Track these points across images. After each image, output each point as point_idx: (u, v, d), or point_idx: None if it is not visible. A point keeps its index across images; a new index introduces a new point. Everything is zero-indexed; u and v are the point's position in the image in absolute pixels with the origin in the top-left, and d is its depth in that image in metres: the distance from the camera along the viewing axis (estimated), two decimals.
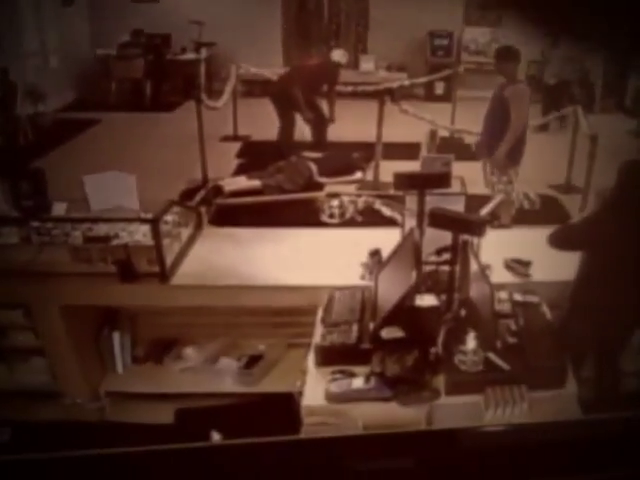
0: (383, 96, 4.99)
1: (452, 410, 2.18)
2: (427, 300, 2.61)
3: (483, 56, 7.90)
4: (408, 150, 5.20)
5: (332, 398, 2.22)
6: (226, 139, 6.15)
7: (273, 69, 6.89)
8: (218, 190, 4.47)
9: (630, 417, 1.28)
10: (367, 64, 8.55)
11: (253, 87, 7.87)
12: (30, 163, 5.18)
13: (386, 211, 4.03)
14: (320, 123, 5.77)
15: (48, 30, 7.82)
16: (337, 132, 5.98)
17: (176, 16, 8.23)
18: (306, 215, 4.06)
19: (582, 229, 2.57)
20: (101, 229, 3.07)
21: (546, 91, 6.84)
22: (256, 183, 4.63)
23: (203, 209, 3.79)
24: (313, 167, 4.94)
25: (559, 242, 2.48)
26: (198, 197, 4.29)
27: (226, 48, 8.21)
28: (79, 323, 3.03)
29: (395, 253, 2.54)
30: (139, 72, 8.02)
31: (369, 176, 4.97)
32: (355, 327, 2.47)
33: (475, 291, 2.44)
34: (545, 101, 6.79)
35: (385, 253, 2.71)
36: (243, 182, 4.71)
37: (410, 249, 2.56)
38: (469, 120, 5.01)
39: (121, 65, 8.02)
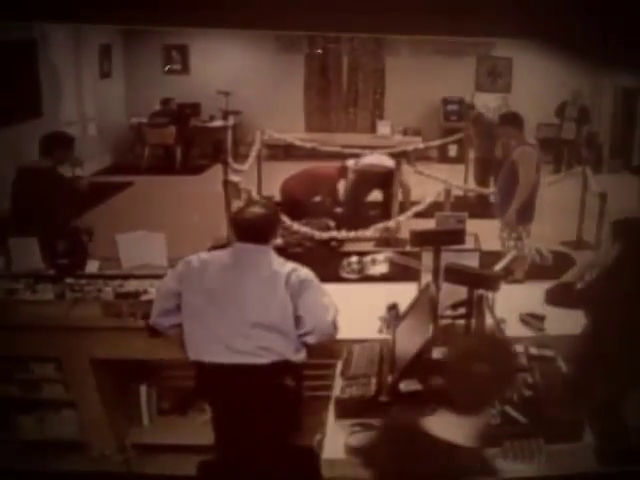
0: (399, 158, 5.23)
1: None
2: (444, 353, 2.64)
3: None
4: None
5: (351, 452, 2.24)
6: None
7: (295, 134, 7.25)
8: None
9: None
10: (384, 129, 8.94)
11: (277, 151, 8.26)
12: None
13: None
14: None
15: (86, 100, 8.43)
16: None
17: (205, 87, 8.80)
18: (326, 270, 4.18)
19: (582, 290, 2.54)
20: (131, 285, 3.22)
21: (557, 152, 7.03)
22: (277, 241, 4.80)
23: None
24: (332, 225, 5.13)
25: (557, 301, 2.50)
26: None
27: (251, 115, 8.69)
28: (108, 376, 3.12)
29: (412, 307, 2.63)
30: (170, 138, 8.50)
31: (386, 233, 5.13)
32: (374, 380, 2.49)
33: None
34: (556, 162, 6.97)
35: (402, 307, 2.80)
36: None
37: (426, 303, 2.62)
38: None
39: (153, 132, 8.53)
